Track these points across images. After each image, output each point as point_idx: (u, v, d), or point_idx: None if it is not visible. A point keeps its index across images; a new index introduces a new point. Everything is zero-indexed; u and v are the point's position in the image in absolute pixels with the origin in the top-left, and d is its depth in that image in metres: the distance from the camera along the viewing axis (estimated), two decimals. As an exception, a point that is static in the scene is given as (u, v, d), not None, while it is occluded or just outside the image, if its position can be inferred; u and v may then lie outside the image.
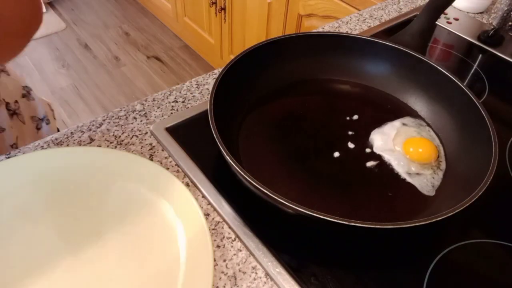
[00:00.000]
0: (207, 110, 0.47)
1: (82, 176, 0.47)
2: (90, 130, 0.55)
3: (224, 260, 0.43)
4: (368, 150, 0.54)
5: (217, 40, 1.97)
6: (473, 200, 0.41)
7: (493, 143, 0.47)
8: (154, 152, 0.53)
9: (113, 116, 0.57)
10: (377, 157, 0.53)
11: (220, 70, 0.53)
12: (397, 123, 0.58)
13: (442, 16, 0.85)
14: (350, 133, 0.56)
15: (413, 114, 0.60)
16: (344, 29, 0.79)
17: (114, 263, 0.41)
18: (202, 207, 0.47)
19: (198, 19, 2.06)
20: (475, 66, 0.75)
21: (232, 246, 0.45)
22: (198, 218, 0.43)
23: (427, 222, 0.40)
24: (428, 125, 0.58)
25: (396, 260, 0.46)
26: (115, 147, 0.53)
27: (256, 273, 0.43)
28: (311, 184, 0.50)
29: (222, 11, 1.80)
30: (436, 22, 0.82)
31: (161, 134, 0.54)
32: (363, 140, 0.56)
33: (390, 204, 0.49)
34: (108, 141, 0.54)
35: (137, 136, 0.55)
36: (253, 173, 0.41)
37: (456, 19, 0.85)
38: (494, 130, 0.49)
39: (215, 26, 1.92)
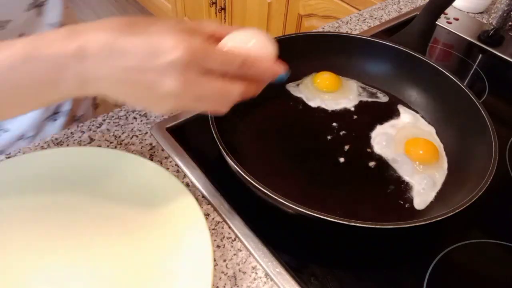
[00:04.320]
0: (207, 110, 0.47)
1: (82, 176, 0.47)
2: (90, 130, 0.55)
3: (224, 260, 0.43)
4: (368, 150, 0.54)
5: (217, 40, 1.97)
6: (473, 200, 0.41)
7: (493, 143, 0.47)
8: (154, 152, 0.53)
9: (113, 116, 0.57)
10: (378, 157, 0.53)
11: (220, 70, 0.53)
12: (397, 123, 0.58)
13: (442, 16, 0.85)
14: (350, 132, 0.56)
15: (413, 113, 0.60)
16: (344, 29, 0.79)
17: (113, 262, 0.41)
18: (202, 207, 0.47)
19: (198, 19, 2.06)
20: (475, 66, 0.75)
21: (232, 246, 0.45)
22: (198, 218, 0.43)
23: (427, 222, 0.40)
24: (429, 125, 0.58)
25: (396, 260, 0.46)
26: (115, 147, 0.53)
27: (256, 273, 0.43)
28: (311, 184, 0.50)
29: (222, 11, 1.80)
30: (436, 22, 0.82)
31: (161, 134, 0.54)
32: (364, 140, 0.56)
33: (390, 204, 0.49)
34: (108, 141, 0.54)
35: (137, 136, 0.55)
36: (253, 173, 0.41)
37: (456, 19, 0.85)
38: (494, 130, 0.49)
39: (215, 26, 1.92)
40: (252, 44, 0.36)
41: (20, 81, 0.33)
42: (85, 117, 0.70)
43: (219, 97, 0.36)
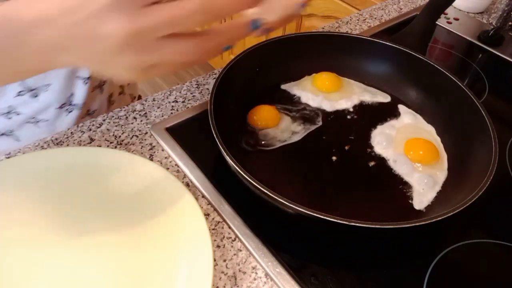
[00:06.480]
0: (207, 110, 0.47)
1: (82, 176, 0.47)
2: (90, 130, 0.55)
3: (224, 260, 0.43)
4: (368, 150, 0.54)
5: (217, 40, 1.97)
6: (473, 200, 0.41)
7: (493, 143, 0.47)
8: (154, 152, 0.53)
9: (113, 116, 0.57)
10: (378, 158, 0.53)
11: (220, 70, 0.53)
12: (397, 123, 0.58)
13: (442, 16, 0.85)
14: (350, 132, 0.56)
15: (413, 113, 0.60)
16: (344, 29, 0.79)
17: (113, 263, 0.41)
18: (202, 207, 0.47)
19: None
20: (475, 66, 0.75)
21: (232, 246, 0.45)
22: (198, 218, 0.43)
23: (427, 222, 0.40)
24: (429, 125, 0.58)
25: (396, 260, 0.46)
26: (115, 147, 0.53)
27: (256, 273, 0.43)
28: (311, 184, 0.50)
29: (222, 11, 1.80)
30: (436, 22, 0.83)
31: (161, 134, 0.54)
32: (364, 140, 0.56)
33: (390, 204, 0.49)
34: (108, 141, 0.54)
35: (137, 136, 0.55)
36: (253, 173, 0.41)
37: (456, 19, 0.85)
38: (494, 130, 0.49)
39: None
40: None
41: None
42: (98, 112, 0.69)
43: (185, 45, 0.30)
